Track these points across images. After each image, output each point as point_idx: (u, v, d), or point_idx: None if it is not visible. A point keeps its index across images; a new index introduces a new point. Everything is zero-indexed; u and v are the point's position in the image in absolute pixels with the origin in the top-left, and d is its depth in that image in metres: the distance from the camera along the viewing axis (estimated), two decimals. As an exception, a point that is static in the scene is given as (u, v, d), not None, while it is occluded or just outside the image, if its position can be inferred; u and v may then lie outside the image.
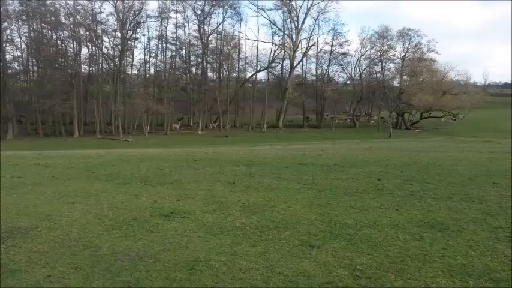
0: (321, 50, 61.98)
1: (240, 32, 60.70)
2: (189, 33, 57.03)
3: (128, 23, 51.34)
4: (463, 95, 54.18)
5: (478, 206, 5.03)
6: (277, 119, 59.16)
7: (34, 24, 49.89)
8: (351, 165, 9.05)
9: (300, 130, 56.14)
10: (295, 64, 61.31)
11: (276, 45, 60.07)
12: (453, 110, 55.03)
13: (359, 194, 5.88)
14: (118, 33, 51.61)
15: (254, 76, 61.90)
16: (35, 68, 53.20)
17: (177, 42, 56.50)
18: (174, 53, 57.33)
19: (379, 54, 60.16)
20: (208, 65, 59.73)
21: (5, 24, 45.91)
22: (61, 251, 3.60)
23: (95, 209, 5.07)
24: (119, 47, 52.14)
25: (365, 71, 63.75)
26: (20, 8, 47.65)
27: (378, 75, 63.42)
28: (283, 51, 60.14)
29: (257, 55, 59.70)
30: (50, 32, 51.37)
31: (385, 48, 59.60)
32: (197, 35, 56.08)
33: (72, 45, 52.25)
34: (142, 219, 4.61)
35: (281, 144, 24.82)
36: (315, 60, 63.18)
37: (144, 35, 57.05)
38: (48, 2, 49.02)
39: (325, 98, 59.06)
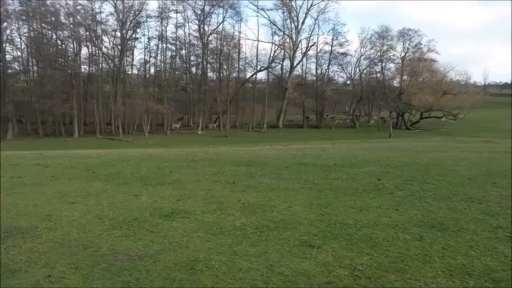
0: (321, 50, 62.13)
1: (240, 32, 60.86)
2: (189, 33, 57.16)
3: (128, 23, 51.34)
4: (463, 95, 54.16)
5: (478, 206, 5.03)
6: (277, 119, 59.15)
7: (34, 24, 49.91)
8: (351, 165, 9.05)
9: (300, 130, 56.13)
10: (295, 64, 61.37)
11: (276, 45, 60.18)
12: (453, 110, 55.02)
13: (359, 194, 5.88)
14: (118, 33, 51.64)
15: (254, 76, 62.03)
16: (35, 68, 53.21)
17: (177, 42, 56.59)
18: (174, 53, 57.40)
19: (379, 54, 60.18)
20: (208, 65, 59.76)
21: (5, 24, 45.93)
22: (61, 251, 3.60)
23: (95, 209, 5.07)
24: (119, 47, 52.14)
25: (365, 71, 63.85)
26: (20, 8, 47.73)
27: (378, 75, 63.48)
28: (283, 51, 60.17)
29: (257, 55, 59.83)
30: (50, 32, 51.40)
31: (385, 48, 59.66)
32: (197, 35, 56.12)
33: (72, 45, 52.35)
34: (142, 219, 4.61)
35: (281, 144, 24.82)
36: (315, 60, 63.33)
37: (144, 35, 57.20)
38: (48, 2, 49.08)
39: (325, 98, 59.05)
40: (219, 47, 57.51)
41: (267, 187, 6.49)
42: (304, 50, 61.45)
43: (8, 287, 2.93)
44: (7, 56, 48.57)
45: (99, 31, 51.03)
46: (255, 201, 5.48)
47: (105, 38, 52.40)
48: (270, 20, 59.67)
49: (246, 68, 63.85)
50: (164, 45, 56.12)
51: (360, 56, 61.79)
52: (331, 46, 60.73)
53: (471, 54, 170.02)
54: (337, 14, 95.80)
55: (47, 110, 45.82)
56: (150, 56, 57.49)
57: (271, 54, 60.34)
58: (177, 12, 54.73)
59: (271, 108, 60.00)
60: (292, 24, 60.02)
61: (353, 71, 63.54)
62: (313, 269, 3.16)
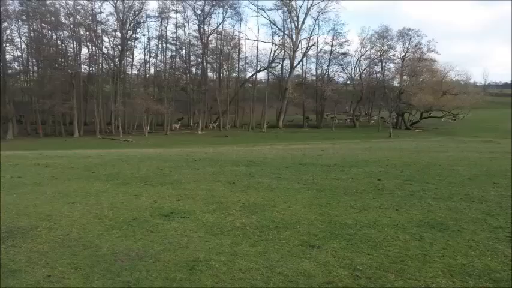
0: (321, 50, 62.14)
1: (240, 32, 60.96)
2: (189, 33, 57.18)
3: (128, 23, 51.39)
4: (463, 95, 54.15)
5: (478, 206, 5.03)
6: (277, 119, 59.16)
7: (34, 24, 49.96)
8: (351, 165, 9.05)
9: (300, 130, 56.14)
10: (295, 64, 61.40)
11: (276, 45, 60.21)
12: (453, 110, 54.97)
13: (359, 194, 5.88)
14: (118, 33, 51.70)
15: (254, 76, 62.06)
16: (35, 68, 53.25)
17: (177, 42, 56.62)
18: (174, 53, 57.41)
19: (379, 54, 60.19)
20: (208, 65, 59.74)
21: (5, 24, 45.96)
22: (61, 251, 3.60)
23: (95, 209, 5.07)
24: (119, 47, 52.17)
25: (365, 71, 63.86)
26: (20, 8, 47.76)
27: (378, 75, 63.48)
28: (283, 51, 60.19)
29: (257, 55, 59.90)
30: (50, 32, 51.45)
31: (385, 48, 59.67)
32: (197, 35, 56.12)
33: (72, 45, 52.37)
34: (142, 219, 4.61)
35: (281, 144, 24.82)
36: (315, 60, 63.36)
37: (144, 35, 57.23)
38: (48, 2, 49.09)
39: (325, 98, 59.07)
40: (219, 47, 57.56)
41: (267, 187, 6.49)
42: (304, 50, 61.58)
43: (8, 287, 2.93)
44: (7, 56, 48.66)
45: (99, 31, 51.10)
46: (255, 201, 5.48)
47: (105, 38, 52.57)
48: (270, 20, 59.80)
49: (246, 68, 64.05)
50: (164, 45, 56.28)
51: (360, 56, 61.92)
52: (331, 46, 60.85)
53: (471, 54, 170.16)
54: (337, 14, 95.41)
55: (47, 110, 45.89)
56: (150, 56, 57.67)
57: (271, 54, 60.48)
58: (177, 12, 54.88)
59: (271, 108, 60.02)
60: (292, 24, 60.13)
61: (353, 71, 63.68)
62: (313, 269, 3.16)
